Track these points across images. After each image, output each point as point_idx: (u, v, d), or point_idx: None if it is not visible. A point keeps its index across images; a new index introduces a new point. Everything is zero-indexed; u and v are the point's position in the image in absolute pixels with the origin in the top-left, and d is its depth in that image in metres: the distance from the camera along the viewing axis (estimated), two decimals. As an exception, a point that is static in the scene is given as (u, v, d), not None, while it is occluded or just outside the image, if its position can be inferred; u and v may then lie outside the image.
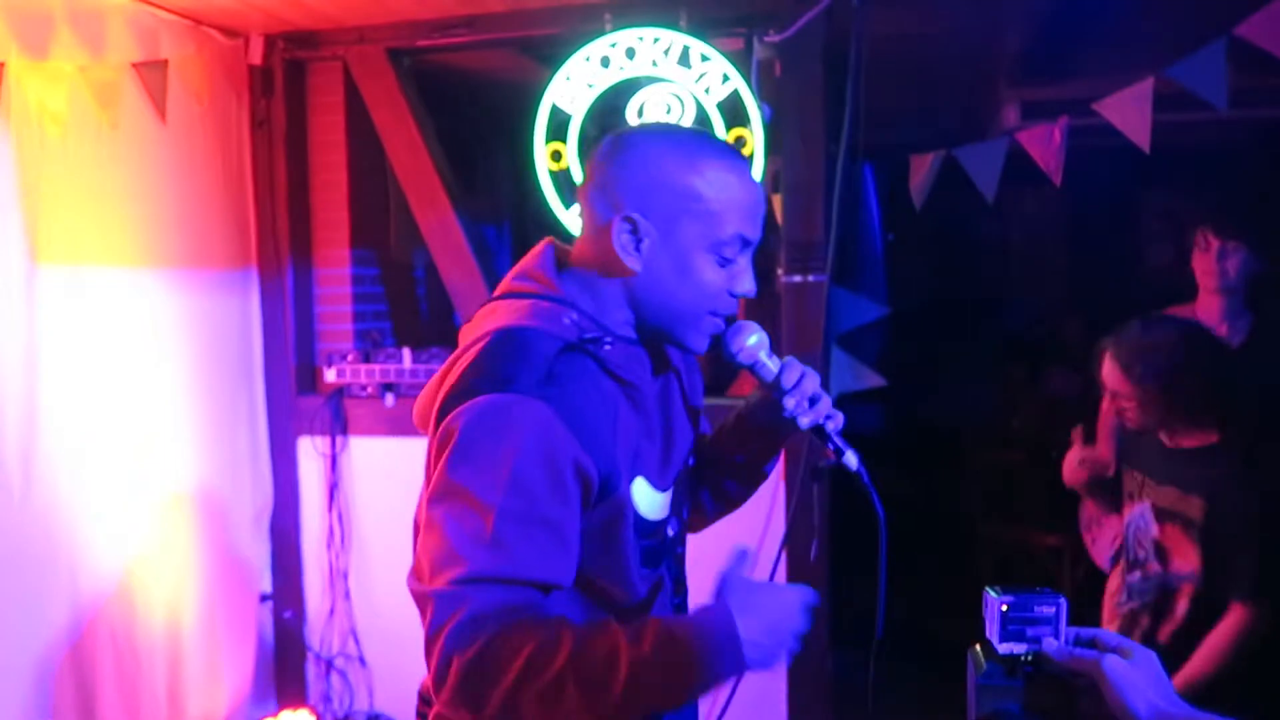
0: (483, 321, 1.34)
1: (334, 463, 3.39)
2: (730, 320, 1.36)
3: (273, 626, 3.48)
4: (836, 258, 2.93)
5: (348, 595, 3.40)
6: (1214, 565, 2.09)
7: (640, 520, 1.33)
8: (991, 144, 2.90)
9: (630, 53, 2.95)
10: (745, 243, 1.30)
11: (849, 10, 2.79)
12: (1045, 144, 2.82)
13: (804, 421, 1.35)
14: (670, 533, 1.42)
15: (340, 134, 3.44)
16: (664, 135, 1.36)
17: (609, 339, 1.30)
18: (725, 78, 2.90)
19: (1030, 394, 4.93)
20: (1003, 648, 1.18)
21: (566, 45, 3.03)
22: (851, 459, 1.35)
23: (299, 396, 3.42)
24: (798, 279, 2.97)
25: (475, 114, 4.18)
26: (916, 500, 4.16)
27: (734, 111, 2.92)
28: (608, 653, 1.13)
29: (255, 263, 3.37)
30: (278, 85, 3.34)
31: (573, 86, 3.01)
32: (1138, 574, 2.24)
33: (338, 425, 3.38)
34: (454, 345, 3.55)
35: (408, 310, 3.87)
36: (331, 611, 3.42)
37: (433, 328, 3.97)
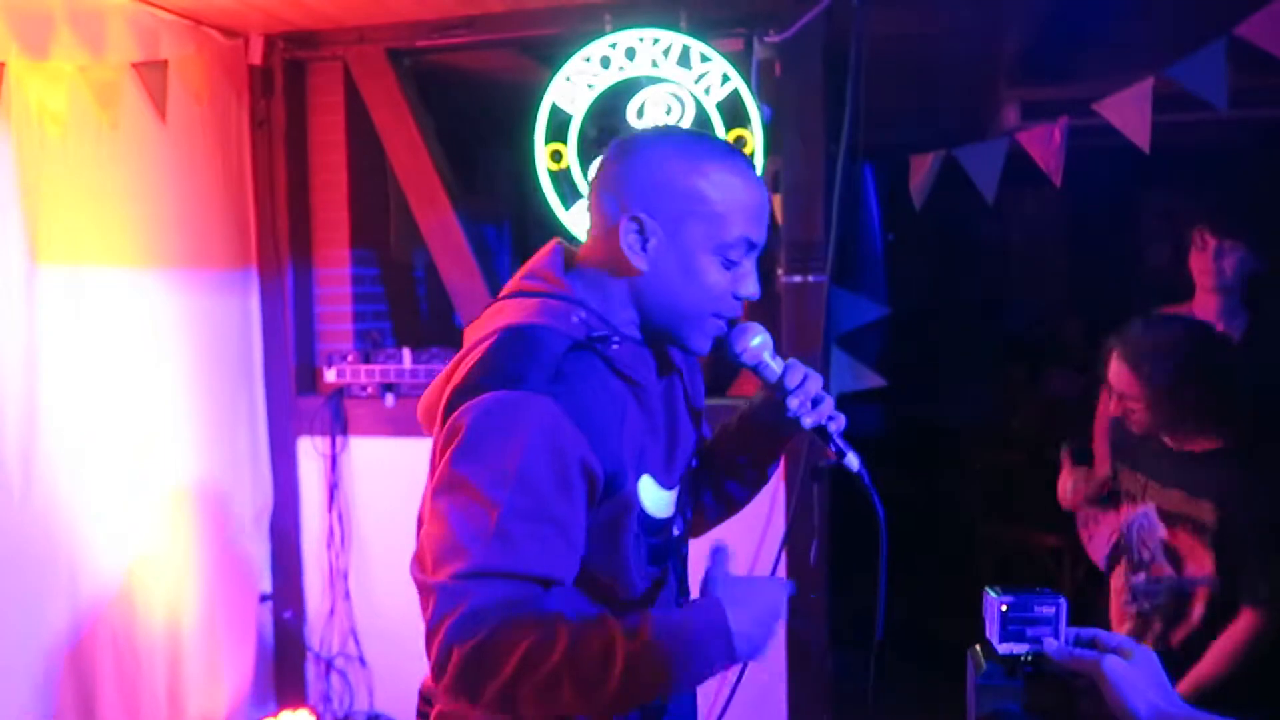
0: (491, 319, 1.35)
1: (334, 463, 3.39)
2: (733, 322, 1.38)
3: (272, 626, 3.48)
4: (836, 258, 2.93)
5: (347, 595, 3.40)
6: (1226, 569, 2.09)
7: (647, 518, 1.35)
8: (991, 144, 2.90)
9: (630, 53, 2.95)
10: (750, 246, 1.32)
11: (849, 10, 2.79)
12: (1045, 144, 2.82)
13: (807, 422, 1.36)
14: (675, 532, 1.44)
15: (340, 134, 3.44)
16: (672, 138, 1.37)
17: (616, 338, 1.31)
18: (725, 78, 2.90)
19: (1030, 394, 4.93)
20: (1002, 648, 1.18)
21: (567, 45, 3.03)
22: (853, 460, 1.36)
23: (299, 397, 3.42)
24: (798, 279, 2.97)
25: (475, 114, 4.18)
26: (916, 500, 4.17)
27: (734, 112, 2.92)
28: (603, 647, 1.15)
29: (255, 263, 3.37)
30: (278, 85, 3.34)
31: (573, 87, 3.01)
32: (1143, 576, 2.23)
33: (338, 425, 3.38)
34: (454, 345, 3.54)
35: (408, 310, 3.87)
36: (331, 611, 3.42)
37: (433, 328, 3.97)
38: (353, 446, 3.40)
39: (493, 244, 4.47)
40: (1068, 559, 3.97)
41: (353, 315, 3.52)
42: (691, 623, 1.18)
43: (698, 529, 1.60)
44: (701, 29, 2.96)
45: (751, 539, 2.99)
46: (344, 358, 3.39)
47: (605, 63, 2.98)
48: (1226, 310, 2.65)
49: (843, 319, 2.97)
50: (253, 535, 3.37)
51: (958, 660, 1.25)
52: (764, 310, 2.96)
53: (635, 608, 1.34)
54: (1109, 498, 2.46)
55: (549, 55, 3.25)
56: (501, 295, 1.41)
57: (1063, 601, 1.18)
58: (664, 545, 1.40)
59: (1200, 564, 2.13)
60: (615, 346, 1.30)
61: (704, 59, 2.91)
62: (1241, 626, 2.06)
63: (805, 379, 1.37)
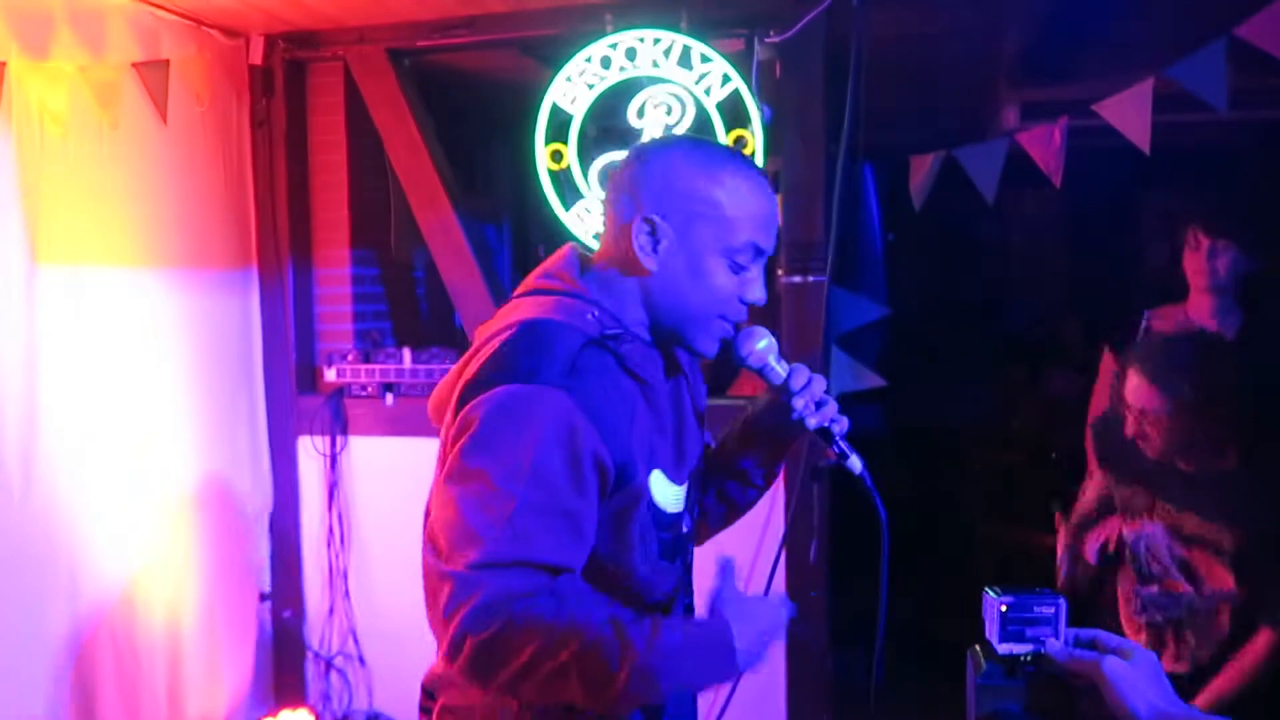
0: (506, 316, 1.38)
1: (334, 462, 3.39)
2: (739, 327, 1.41)
3: (272, 626, 3.48)
4: (836, 258, 2.93)
5: (347, 595, 3.41)
6: (1245, 586, 2.09)
7: (659, 512, 1.38)
8: (991, 144, 2.90)
9: (631, 53, 2.95)
10: (758, 251, 1.36)
11: (849, 11, 2.79)
12: (1045, 145, 2.82)
13: (811, 423, 1.40)
14: (685, 528, 1.47)
15: (340, 134, 3.44)
16: (687, 145, 1.44)
17: (628, 337, 1.34)
18: (726, 78, 2.90)
19: (1030, 394, 4.93)
20: (1002, 648, 1.18)
21: (567, 46, 3.03)
22: (856, 462, 1.40)
23: (299, 396, 3.42)
24: (798, 279, 2.97)
25: (476, 114, 4.18)
26: (916, 500, 4.16)
27: (734, 112, 2.92)
28: (612, 653, 1.18)
29: (255, 262, 3.38)
30: (278, 85, 3.34)
31: (573, 87, 3.01)
32: (1155, 588, 2.23)
33: (338, 425, 3.39)
34: (454, 345, 3.54)
35: (408, 310, 3.87)
36: (331, 611, 3.42)
37: (433, 328, 3.97)
38: (353, 446, 3.41)
39: (493, 244, 4.47)
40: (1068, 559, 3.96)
41: (353, 315, 3.52)
42: (698, 637, 1.24)
43: (701, 535, 1.62)
44: (702, 29, 2.96)
45: (751, 539, 2.99)
46: (344, 357, 3.39)
47: (606, 63, 2.98)
48: (1220, 310, 2.65)
49: (843, 319, 2.97)
50: (252, 534, 3.37)
51: (958, 660, 1.25)
52: (764, 310, 2.95)
53: (647, 601, 1.38)
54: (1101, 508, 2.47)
55: (549, 55, 3.25)
56: (517, 294, 1.44)
57: (1062, 601, 1.18)
58: (675, 540, 1.43)
59: (1220, 580, 2.13)
60: (627, 345, 1.33)
61: (704, 59, 2.91)
62: (1260, 646, 2.06)
63: (810, 382, 1.41)
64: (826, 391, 1.43)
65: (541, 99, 3.03)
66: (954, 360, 5.08)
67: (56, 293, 2.64)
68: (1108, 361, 2.88)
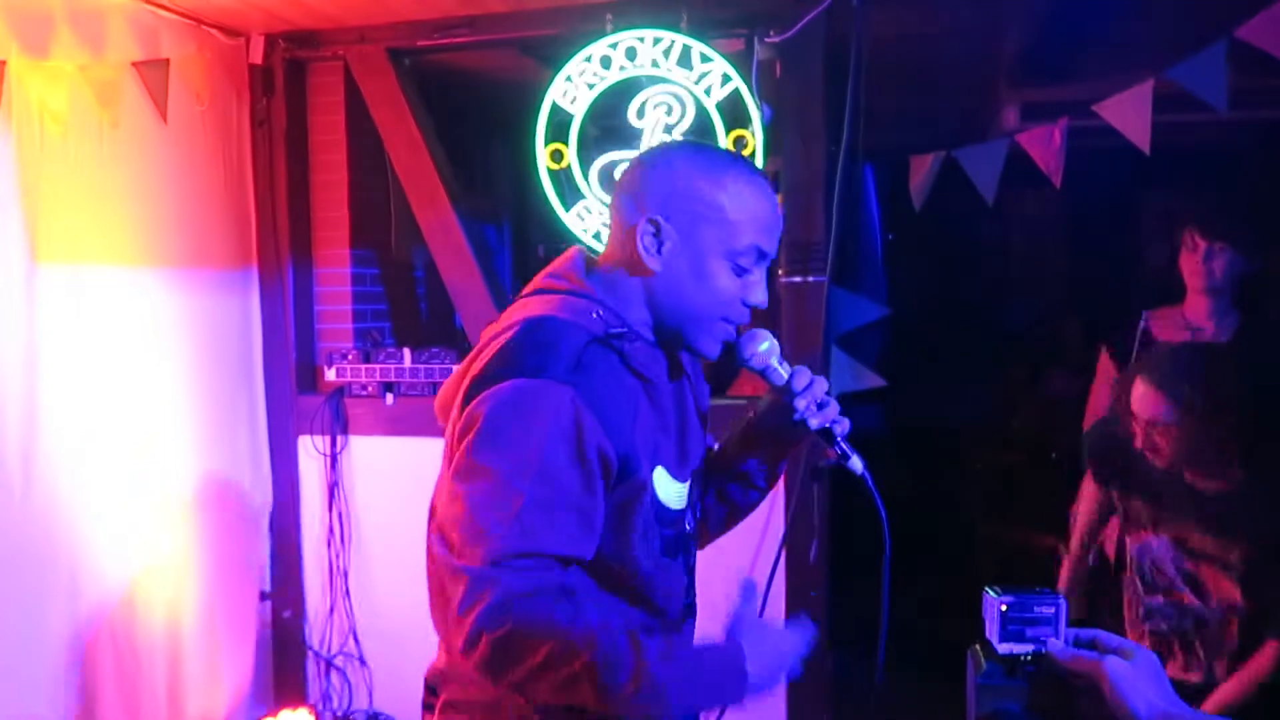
0: (513, 314, 1.40)
1: (334, 462, 3.39)
2: (742, 329, 1.43)
3: (272, 625, 3.48)
4: (836, 258, 2.93)
5: (347, 594, 3.41)
6: (1252, 601, 2.09)
7: (661, 508, 1.39)
8: (991, 145, 2.90)
9: (631, 53, 2.95)
10: (760, 255, 1.38)
11: (849, 11, 2.79)
12: (1045, 145, 2.82)
13: (813, 424, 1.42)
14: (688, 526, 1.48)
15: (341, 133, 3.44)
16: (692, 149, 1.48)
17: (632, 336, 1.36)
18: (726, 78, 2.90)
19: (1030, 395, 4.93)
20: (1002, 648, 1.18)
21: (567, 45, 3.03)
22: (857, 463, 1.41)
23: (299, 396, 3.42)
24: (798, 279, 2.97)
25: (476, 114, 4.18)
26: (917, 501, 4.16)
27: (734, 112, 2.92)
28: (625, 667, 1.21)
29: (255, 262, 3.38)
30: (278, 85, 3.34)
31: (573, 86, 3.01)
32: (1160, 598, 2.23)
33: (338, 424, 3.39)
34: (454, 345, 3.54)
35: (408, 310, 3.87)
36: (331, 610, 3.42)
37: (433, 327, 3.97)
38: (353, 445, 3.41)
39: (493, 243, 4.47)
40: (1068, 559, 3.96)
41: (353, 314, 3.52)
42: (711, 658, 1.28)
43: (702, 537, 1.63)
44: (702, 29, 2.96)
45: (751, 539, 2.99)
46: (344, 357, 3.39)
47: (606, 63, 2.98)
48: (1217, 312, 2.65)
49: (843, 319, 2.97)
50: (253, 534, 3.38)
51: (958, 660, 1.25)
52: (764, 310, 2.95)
53: (653, 602, 1.40)
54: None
55: (550, 55, 3.25)
56: (524, 293, 1.46)
57: (1063, 601, 1.18)
58: (677, 537, 1.44)
59: (1228, 594, 2.13)
60: (630, 344, 1.35)
61: (705, 59, 2.91)
62: (1265, 658, 2.06)
63: (812, 383, 1.43)
64: (828, 393, 1.44)
65: (542, 99, 3.03)
66: (954, 360, 5.07)
67: (57, 292, 2.64)
68: (1105, 363, 2.88)
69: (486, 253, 3.45)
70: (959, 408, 4.94)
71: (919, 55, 3.64)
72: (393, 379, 3.35)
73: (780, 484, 2.96)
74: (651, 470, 1.36)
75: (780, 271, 3.01)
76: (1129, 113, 2.63)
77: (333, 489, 3.39)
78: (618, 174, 2.98)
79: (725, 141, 2.91)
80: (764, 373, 1.45)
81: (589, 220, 3.04)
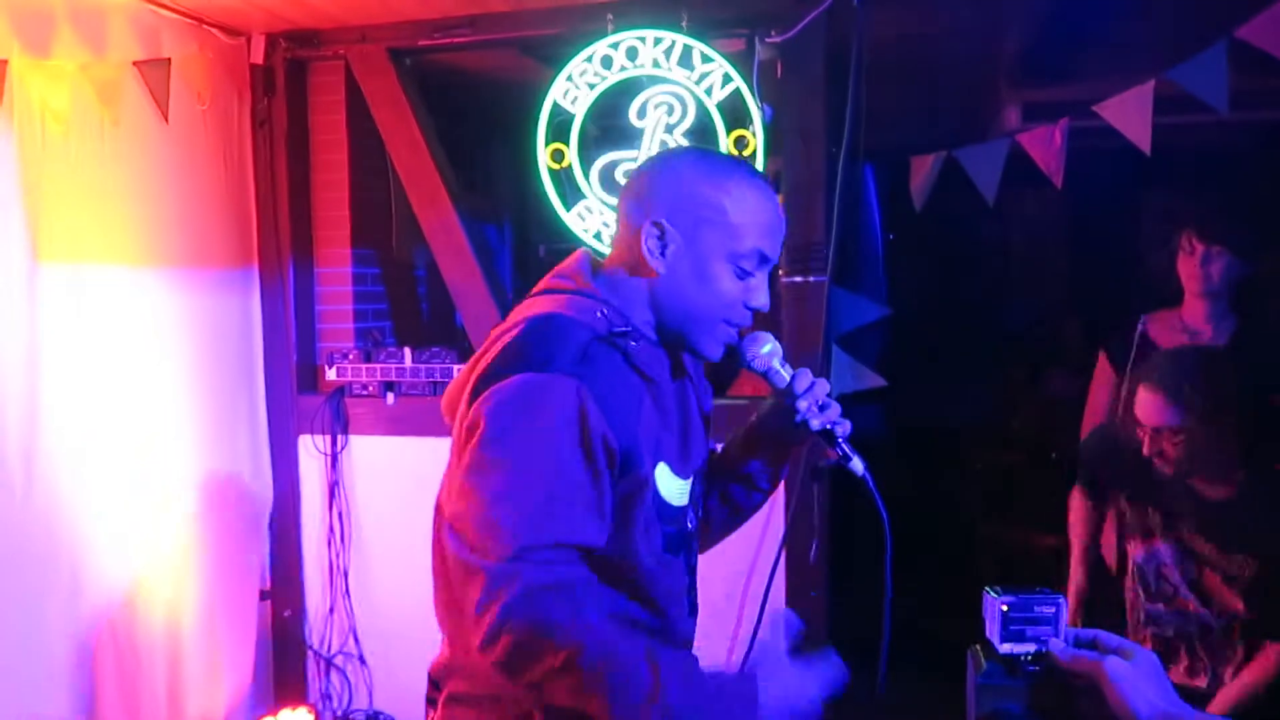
0: (520, 312, 1.43)
1: (334, 461, 3.39)
2: (745, 332, 1.45)
3: (272, 625, 3.48)
4: (837, 258, 2.93)
5: (347, 593, 3.41)
6: (1256, 609, 2.10)
7: (663, 504, 1.41)
8: (992, 145, 2.90)
9: (632, 53, 2.95)
10: (763, 259, 1.41)
11: (850, 11, 2.79)
12: (1046, 145, 2.82)
13: (814, 424, 1.44)
14: (690, 525, 1.50)
15: (342, 133, 3.44)
16: (699, 155, 1.50)
17: (636, 335, 1.38)
18: (727, 78, 2.90)
19: (1030, 395, 4.93)
20: (1003, 648, 1.18)
21: (568, 45, 3.03)
22: (858, 465, 1.43)
23: (300, 395, 3.43)
24: (798, 279, 2.97)
25: (477, 114, 4.18)
26: (917, 501, 4.16)
27: (735, 112, 2.92)
28: (643, 688, 1.21)
29: (256, 262, 3.38)
30: (279, 84, 3.34)
31: (574, 86, 3.01)
32: (1161, 605, 2.23)
33: (338, 424, 3.39)
34: (455, 344, 3.54)
35: (409, 309, 3.87)
36: (331, 610, 3.42)
37: (434, 327, 3.97)
38: (353, 445, 3.41)
39: (494, 243, 4.47)
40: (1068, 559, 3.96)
41: (354, 314, 3.52)
42: (727, 688, 1.29)
43: (705, 540, 1.64)
44: (703, 29, 2.96)
45: (752, 539, 2.99)
46: (345, 356, 3.40)
47: (607, 63, 2.98)
48: (1214, 315, 2.65)
49: (843, 319, 2.97)
50: (253, 533, 3.38)
51: (958, 660, 1.25)
52: (765, 311, 2.96)
53: (653, 600, 1.41)
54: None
55: (551, 55, 3.25)
56: (531, 294, 1.48)
57: (1063, 601, 1.18)
58: (679, 534, 1.45)
59: (1232, 602, 2.13)
60: (634, 344, 1.37)
61: (705, 59, 2.91)
62: (1269, 660, 2.07)
63: (813, 385, 1.45)
64: (829, 395, 1.46)
65: (543, 99, 3.03)
66: (954, 360, 5.07)
67: (58, 291, 2.64)
68: (1103, 367, 2.88)
69: (487, 252, 3.45)
70: (959, 408, 4.94)
71: (920, 55, 3.64)
72: (393, 378, 3.36)
73: (780, 485, 2.96)
74: (654, 466, 1.38)
75: (781, 271, 3.01)
76: (1130, 113, 2.63)
77: (333, 488, 3.39)
78: (618, 174, 3.00)
79: (726, 141, 2.91)
80: (766, 375, 1.47)
81: (590, 220, 3.04)
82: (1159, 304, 2.79)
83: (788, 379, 1.46)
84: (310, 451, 3.42)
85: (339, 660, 3.44)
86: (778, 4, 2.93)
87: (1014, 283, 5.80)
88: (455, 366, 3.30)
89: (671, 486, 1.42)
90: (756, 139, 2.90)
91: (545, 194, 3.06)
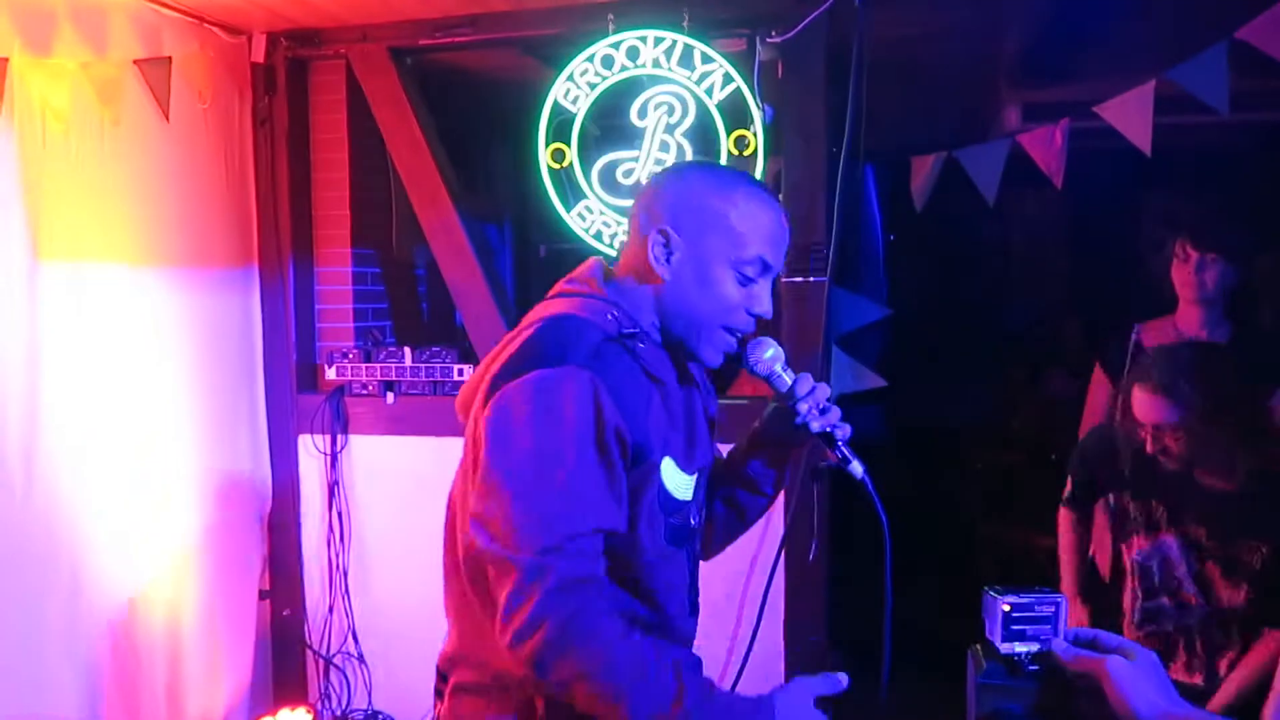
0: (535, 313, 1.47)
1: (334, 461, 3.39)
2: (748, 337, 1.50)
3: (272, 624, 3.48)
4: (837, 258, 2.93)
5: (347, 593, 3.41)
6: (1259, 599, 2.10)
7: (667, 497, 1.44)
8: (993, 146, 2.91)
9: (633, 53, 2.95)
10: (765, 266, 1.45)
11: (851, 12, 2.79)
12: (1046, 146, 2.83)
13: (814, 427, 1.48)
14: (693, 521, 1.52)
15: (342, 132, 3.44)
16: (707, 168, 1.59)
17: (644, 337, 1.44)
18: (727, 78, 2.90)
19: (1030, 395, 4.93)
20: (1004, 648, 1.19)
21: (569, 45, 3.03)
22: (857, 468, 1.46)
23: (299, 394, 3.43)
24: (798, 279, 2.97)
25: (477, 113, 4.18)
26: (917, 501, 4.17)
27: (736, 112, 2.92)
28: (667, 696, 1.25)
29: (257, 261, 3.38)
30: (280, 83, 3.34)
31: (575, 86, 3.01)
32: (1165, 599, 2.23)
33: (338, 423, 3.39)
34: (455, 344, 3.54)
35: (409, 309, 3.87)
36: (331, 609, 3.42)
37: (434, 327, 3.97)
38: (353, 444, 3.41)
39: (494, 243, 4.47)
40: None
41: (354, 313, 3.53)
42: (743, 708, 1.32)
43: (710, 546, 1.68)
44: (704, 29, 2.96)
45: (752, 538, 2.97)
46: (345, 356, 3.40)
47: (608, 62, 2.98)
48: (1209, 322, 2.65)
49: (843, 319, 2.98)
50: (253, 533, 3.37)
51: (958, 660, 1.25)
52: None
53: (651, 586, 1.43)
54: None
55: (551, 55, 3.25)
56: (547, 297, 1.53)
57: (1063, 601, 1.18)
58: (682, 528, 1.48)
59: (1233, 594, 2.14)
60: (642, 346, 1.42)
61: (706, 59, 2.91)
62: (1268, 647, 2.07)
63: (814, 389, 1.49)
64: (830, 399, 1.50)
65: (543, 98, 3.03)
66: (954, 360, 5.08)
67: (58, 290, 2.64)
68: (1099, 376, 2.88)
69: (488, 252, 3.45)
70: (959, 408, 4.94)
71: (920, 56, 3.64)
72: (393, 378, 3.36)
73: (781, 485, 2.97)
74: (661, 458, 1.41)
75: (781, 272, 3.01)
76: (1130, 114, 2.63)
77: (333, 488, 3.39)
78: (619, 174, 3.00)
79: (726, 141, 2.91)
80: (769, 378, 1.51)
81: (590, 220, 3.04)
82: (1158, 306, 2.79)
83: (789, 383, 1.50)
84: (310, 451, 3.43)
85: (338, 660, 3.44)
86: (779, 4, 2.93)
87: (1014, 283, 5.80)
88: (455, 366, 3.30)
89: (676, 480, 1.45)
90: (757, 139, 2.90)
91: (546, 194, 3.06)
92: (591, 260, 1.55)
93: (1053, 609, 1.17)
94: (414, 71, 3.36)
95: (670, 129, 2.95)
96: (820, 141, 2.97)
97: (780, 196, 3.00)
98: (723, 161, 2.90)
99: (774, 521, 3.00)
